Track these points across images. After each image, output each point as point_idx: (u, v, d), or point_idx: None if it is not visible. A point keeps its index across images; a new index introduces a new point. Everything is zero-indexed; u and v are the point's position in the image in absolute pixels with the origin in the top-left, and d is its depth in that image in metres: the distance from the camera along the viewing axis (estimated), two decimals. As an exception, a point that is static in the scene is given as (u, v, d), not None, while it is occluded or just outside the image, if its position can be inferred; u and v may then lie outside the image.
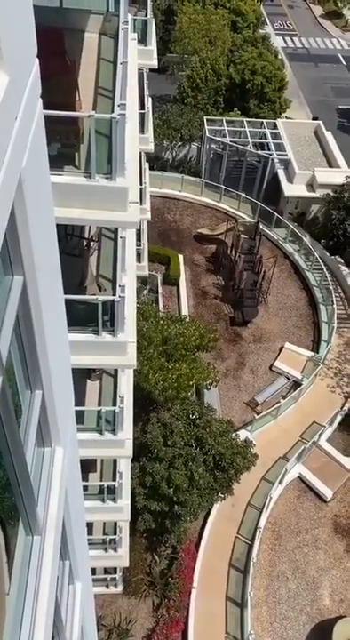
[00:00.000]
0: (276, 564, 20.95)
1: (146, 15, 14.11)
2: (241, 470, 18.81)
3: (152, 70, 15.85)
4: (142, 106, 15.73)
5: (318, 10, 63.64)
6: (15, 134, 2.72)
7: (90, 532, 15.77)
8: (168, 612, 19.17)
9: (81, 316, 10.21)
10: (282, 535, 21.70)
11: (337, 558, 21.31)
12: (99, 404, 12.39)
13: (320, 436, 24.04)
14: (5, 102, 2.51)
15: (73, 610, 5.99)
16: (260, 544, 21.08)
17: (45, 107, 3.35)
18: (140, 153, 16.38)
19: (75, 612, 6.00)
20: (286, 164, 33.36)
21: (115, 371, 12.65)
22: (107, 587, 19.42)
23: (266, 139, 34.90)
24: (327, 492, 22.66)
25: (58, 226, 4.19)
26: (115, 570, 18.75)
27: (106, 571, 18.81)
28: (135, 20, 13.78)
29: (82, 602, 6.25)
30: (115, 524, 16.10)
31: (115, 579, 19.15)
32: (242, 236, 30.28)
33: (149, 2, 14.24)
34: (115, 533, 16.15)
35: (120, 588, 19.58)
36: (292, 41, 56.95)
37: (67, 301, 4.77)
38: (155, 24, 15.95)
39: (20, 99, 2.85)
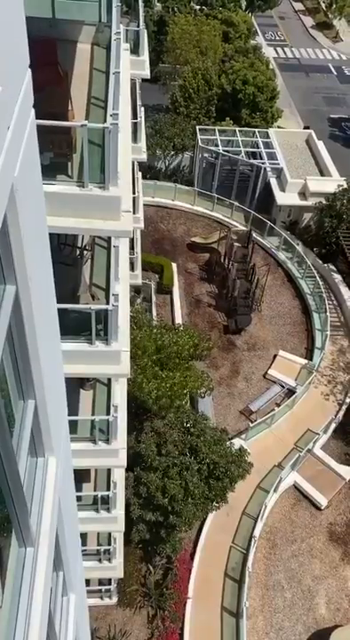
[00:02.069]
0: (272, 574, 20.86)
1: (138, 26, 14.22)
2: (235, 479, 18.75)
3: (144, 80, 15.94)
4: (135, 115, 15.81)
5: (309, 21, 64.43)
6: (7, 144, 2.73)
7: (84, 542, 15.64)
8: (163, 624, 19.01)
9: (74, 326, 10.19)
10: (277, 544, 21.62)
11: (332, 567, 21.24)
12: (93, 414, 12.34)
13: (314, 443, 24.04)
14: (-3, 112, 2.52)
15: (67, 622, 5.92)
16: (255, 553, 20.98)
17: (38, 116, 3.36)
18: (133, 162, 16.44)
19: (68, 625, 5.94)
20: (278, 172, 33.59)
21: (109, 380, 12.62)
22: (102, 598, 19.24)
23: (258, 148, 35.15)
24: (322, 500, 22.63)
25: (51, 235, 4.19)
26: (109, 581, 18.59)
27: (100, 582, 18.65)
28: (127, 30, 13.89)
29: (76, 614, 6.19)
30: (110, 534, 15.99)
31: (109, 590, 18.99)
32: (236, 244, 30.40)
33: (141, 13, 14.37)
34: (110, 544, 16.03)
35: (114, 600, 19.41)
36: (283, 51, 57.57)
37: (60, 310, 4.76)
38: (148, 35, 16.07)
39: (13, 109, 2.86)
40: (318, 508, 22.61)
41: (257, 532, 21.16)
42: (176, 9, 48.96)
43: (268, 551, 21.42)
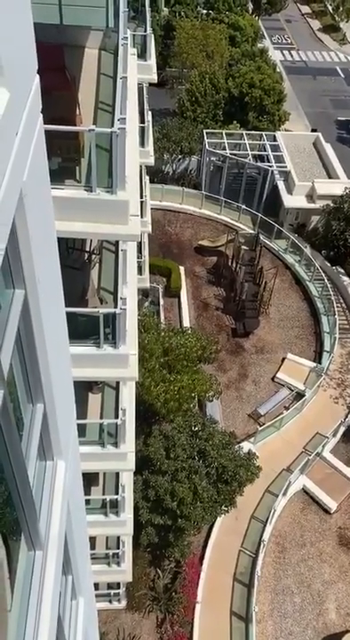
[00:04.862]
0: (281, 578, 20.74)
1: (145, 31, 14.26)
2: (244, 483, 18.69)
3: (152, 84, 15.99)
4: (142, 119, 15.85)
5: (316, 24, 64.35)
6: (16, 149, 2.74)
7: (92, 546, 15.63)
8: (172, 628, 18.95)
9: (82, 329, 10.21)
10: (286, 548, 21.50)
11: (342, 571, 21.09)
12: (101, 417, 12.35)
13: (323, 447, 23.91)
14: (6, 118, 2.53)
15: (76, 626, 5.92)
16: (264, 557, 20.89)
17: (46, 122, 3.38)
18: (141, 166, 16.48)
19: (77, 629, 5.93)
20: (286, 175, 33.55)
21: (117, 383, 12.63)
22: (111, 602, 19.22)
23: (265, 151, 35.14)
24: (331, 504, 22.49)
25: (59, 239, 4.21)
26: (118, 585, 18.57)
27: (109, 586, 18.63)
28: (134, 35, 13.94)
29: (84, 618, 6.18)
30: (118, 538, 15.96)
31: (118, 594, 18.96)
32: (243, 247, 30.37)
33: (148, 18, 14.41)
34: (118, 548, 16.01)
35: (123, 604, 19.38)
36: (290, 54, 57.53)
37: (69, 314, 4.77)
38: (155, 39, 16.12)
39: (21, 114, 2.87)
40: (327, 512, 22.47)
41: (266, 536, 21.07)
42: (183, 13, 49.08)
43: (277, 555, 21.30)
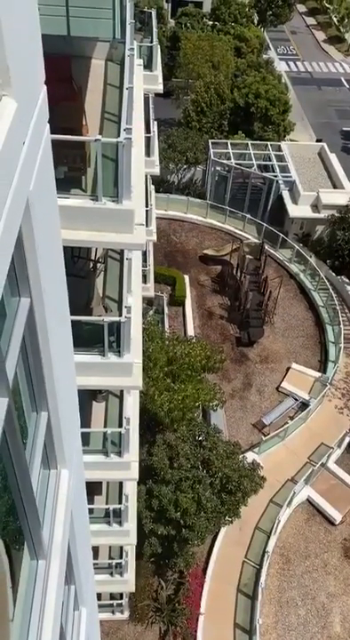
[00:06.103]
0: (285, 590, 20.54)
1: (151, 42, 14.42)
2: (248, 493, 18.57)
3: (157, 95, 16.11)
4: (148, 129, 15.95)
5: (321, 35, 64.76)
6: (23, 159, 2.77)
7: (95, 556, 15.56)
8: (175, 640, 18.79)
9: (87, 337, 10.22)
10: (290, 559, 21.32)
11: (347, 584, 20.87)
12: (105, 426, 12.34)
13: (328, 457, 23.77)
14: (13, 128, 2.56)
15: (78, 636, 5.88)
16: (269, 569, 20.70)
17: (52, 131, 3.41)
18: (146, 176, 16.57)
19: (80, 639, 5.89)
20: (291, 185, 33.63)
21: (121, 392, 12.62)
22: (113, 613, 19.09)
23: (270, 161, 35.25)
24: (336, 516, 22.32)
25: (64, 248, 4.22)
26: (121, 595, 18.45)
27: (111, 596, 18.50)
28: (141, 46, 14.08)
29: (87, 628, 6.14)
30: (121, 547, 15.88)
31: (120, 604, 18.83)
32: (248, 256, 30.40)
33: (155, 29, 14.56)
34: (121, 557, 15.93)
35: (126, 615, 19.23)
36: (296, 65, 57.87)
37: (74, 322, 4.78)
38: (161, 50, 16.27)
39: (28, 124, 2.90)
40: (332, 524, 22.29)
41: (270, 548, 20.90)
42: (189, 25, 49.46)
43: (282, 567, 21.12)
